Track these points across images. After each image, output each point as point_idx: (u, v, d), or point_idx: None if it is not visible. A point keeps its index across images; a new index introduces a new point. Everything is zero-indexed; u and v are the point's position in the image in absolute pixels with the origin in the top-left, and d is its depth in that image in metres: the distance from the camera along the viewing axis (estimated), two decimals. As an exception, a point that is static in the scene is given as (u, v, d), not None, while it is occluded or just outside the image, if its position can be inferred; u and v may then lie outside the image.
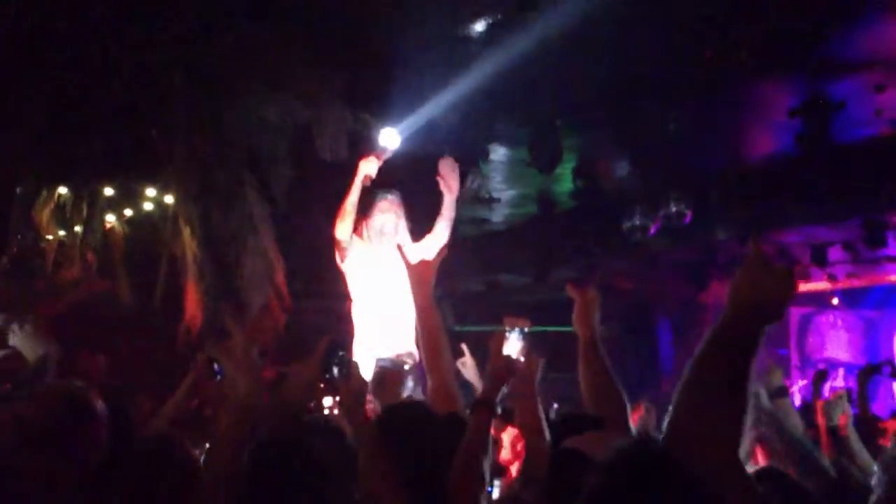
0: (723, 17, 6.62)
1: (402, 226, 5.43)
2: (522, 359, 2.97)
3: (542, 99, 7.84)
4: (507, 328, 2.94)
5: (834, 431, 3.41)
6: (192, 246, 6.73)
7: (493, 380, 2.78)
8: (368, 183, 5.39)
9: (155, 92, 5.81)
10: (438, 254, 3.49)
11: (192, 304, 6.85)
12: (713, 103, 8.05)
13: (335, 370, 3.04)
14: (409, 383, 4.64)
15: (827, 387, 7.05)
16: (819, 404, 3.52)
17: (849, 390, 3.88)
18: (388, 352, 5.08)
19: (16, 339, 3.52)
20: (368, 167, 5.43)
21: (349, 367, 3.10)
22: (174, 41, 5.41)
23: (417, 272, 3.33)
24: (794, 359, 16.50)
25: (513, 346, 2.93)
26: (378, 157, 5.50)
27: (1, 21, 5.13)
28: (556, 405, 10.26)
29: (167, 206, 7.21)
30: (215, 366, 3.43)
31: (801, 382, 16.40)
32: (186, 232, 6.69)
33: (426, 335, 3.25)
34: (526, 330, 2.97)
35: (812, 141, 8.08)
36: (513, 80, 7.57)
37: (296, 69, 5.82)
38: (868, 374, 4.58)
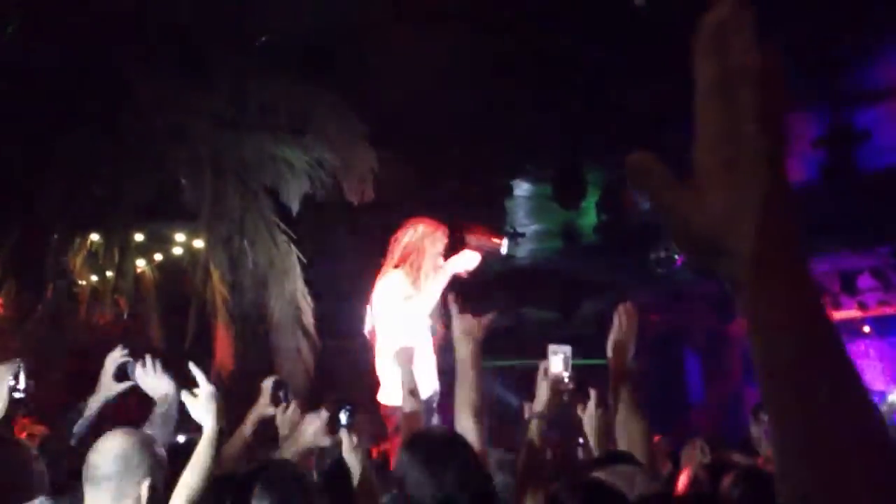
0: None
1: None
2: (566, 379, 3.16)
3: (565, 134, 7.90)
4: (550, 352, 3.14)
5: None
6: (221, 290, 6.79)
7: (551, 396, 3.13)
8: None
9: (183, 140, 5.92)
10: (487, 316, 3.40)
11: (223, 348, 6.90)
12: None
13: (344, 417, 3.21)
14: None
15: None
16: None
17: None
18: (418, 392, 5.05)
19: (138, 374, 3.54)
20: (466, 264, 5.16)
21: (355, 418, 3.23)
22: (200, 89, 5.52)
23: (466, 324, 3.25)
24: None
25: (556, 366, 3.12)
26: (485, 254, 5.28)
27: (37, 73, 5.27)
28: (582, 440, 10.21)
29: (196, 250, 7.29)
30: (280, 393, 3.63)
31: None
32: (216, 276, 6.76)
33: (465, 393, 3.16)
34: (568, 354, 3.15)
35: (837, 170, 8.08)
36: (534, 117, 7.67)
37: (321, 113, 5.90)
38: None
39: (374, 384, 5.27)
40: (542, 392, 3.21)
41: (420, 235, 5.18)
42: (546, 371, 3.24)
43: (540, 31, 6.61)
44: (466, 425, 3.08)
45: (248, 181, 6.29)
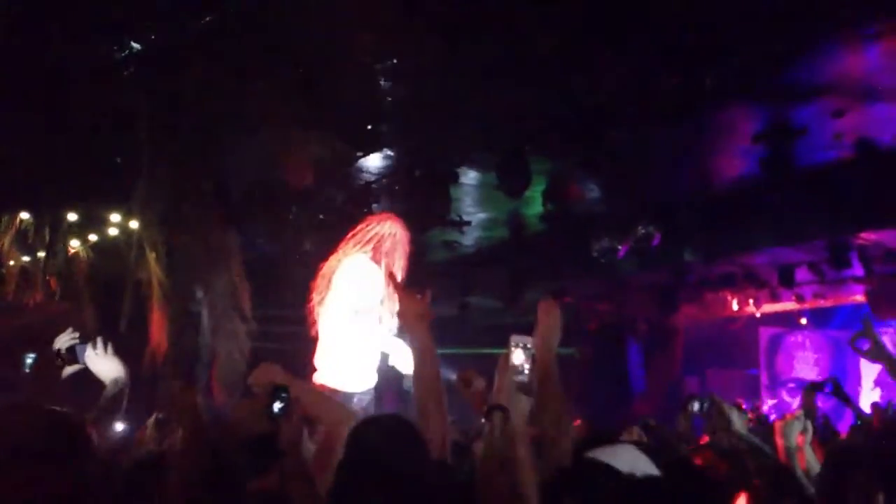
0: (687, 46, 6.77)
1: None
2: (526, 372, 3.02)
3: (511, 124, 7.94)
4: (512, 344, 3.01)
5: (791, 452, 3.48)
6: (157, 272, 6.70)
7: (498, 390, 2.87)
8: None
9: (121, 118, 5.82)
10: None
11: (158, 330, 6.83)
12: (680, 129, 8.19)
13: (277, 407, 3.16)
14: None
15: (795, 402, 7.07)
16: (777, 424, 3.58)
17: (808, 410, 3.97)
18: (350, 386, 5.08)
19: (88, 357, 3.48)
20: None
21: (291, 407, 3.17)
22: (141, 66, 5.43)
23: (415, 307, 3.15)
24: (764, 379, 16.69)
25: (518, 358, 2.99)
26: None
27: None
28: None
29: (133, 231, 7.18)
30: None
31: (771, 402, 16.57)
32: (151, 258, 6.67)
33: (426, 379, 3.09)
34: (529, 346, 3.02)
35: (776, 165, 8.25)
36: (482, 106, 7.69)
37: (261, 97, 5.84)
38: (811, 392, 4.64)
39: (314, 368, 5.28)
40: (504, 384, 2.93)
41: (393, 232, 5.30)
42: (506, 362, 2.97)
43: (489, 18, 6.62)
44: (431, 411, 3.02)
45: (185, 162, 6.21)
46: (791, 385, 16.50)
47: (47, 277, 7.77)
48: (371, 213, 5.56)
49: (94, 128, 5.79)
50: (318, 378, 5.13)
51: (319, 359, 5.24)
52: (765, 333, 16.40)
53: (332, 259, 5.41)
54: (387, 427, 2.59)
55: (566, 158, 9.09)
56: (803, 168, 8.63)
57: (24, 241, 7.51)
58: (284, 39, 5.55)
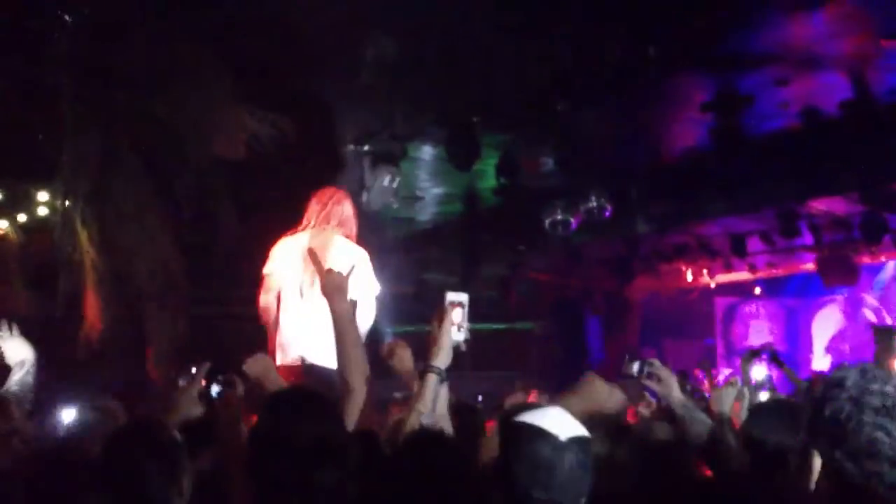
0: (630, 15, 6.77)
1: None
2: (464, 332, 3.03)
3: (460, 96, 7.91)
4: (448, 301, 3.01)
5: (724, 418, 3.52)
6: (89, 251, 6.57)
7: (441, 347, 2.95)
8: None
9: (45, 91, 5.68)
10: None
11: (92, 312, 6.70)
12: (628, 100, 8.21)
13: (215, 389, 3.19)
14: None
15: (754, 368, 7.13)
16: (711, 393, 3.61)
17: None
18: (307, 358, 5.05)
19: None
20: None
21: (231, 386, 3.18)
22: (70, 39, 5.30)
23: (333, 280, 3.21)
24: (720, 348, 16.93)
25: (456, 317, 3.01)
26: None
27: None
28: (480, 398, 10.38)
29: (61, 210, 7.03)
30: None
31: (727, 371, 16.83)
32: (83, 236, 6.53)
33: (347, 350, 3.12)
34: (466, 303, 3.04)
35: (724, 134, 8.31)
36: (432, 78, 7.65)
37: (190, 65, 5.73)
38: (749, 359, 4.69)
39: (260, 348, 5.23)
40: (443, 343, 2.96)
41: (347, 204, 5.32)
42: (443, 320, 2.99)
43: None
44: (354, 381, 3.04)
45: (112, 137, 6.08)
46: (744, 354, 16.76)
47: None
48: (318, 188, 5.45)
49: (17, 102, 5.66)
50: (286, 356, 5.11)
51: (282, 337, 5.22)
52: (720, 303, 16.61)
53: (281, 239, 5.36)
54: (291, 398, 2.60)
55: (518, 132, 9.09)
56: (752, 137, 8.68)
57: None
58: (222, 10, 5.46)
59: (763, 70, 7.65)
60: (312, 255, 3.55)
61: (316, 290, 4.96)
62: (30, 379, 3.34)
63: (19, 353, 3.41)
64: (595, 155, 9.65)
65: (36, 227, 7.62)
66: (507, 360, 14.09)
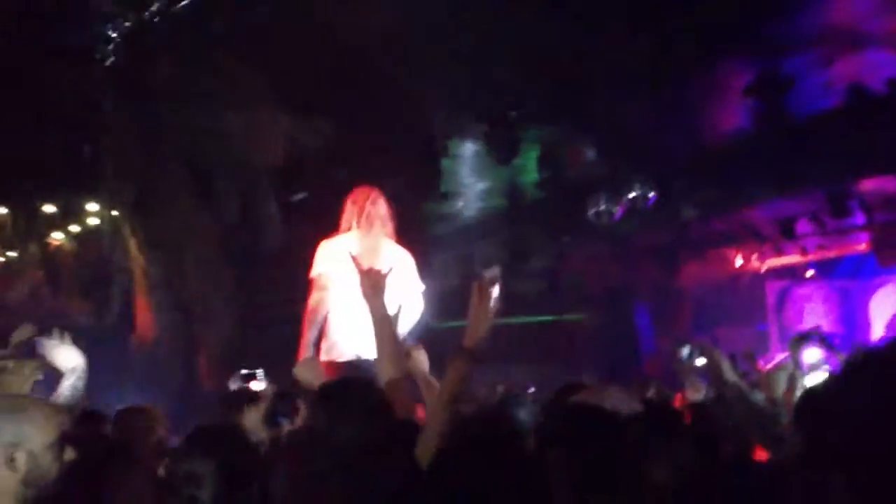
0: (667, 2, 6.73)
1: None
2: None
3: (497, 91, 7.92)
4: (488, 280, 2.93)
5: (778, 402, 3.49)
6: (139, 259, 6.71)
7: (477, 328, 2.83)
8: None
9: (89, 107, 5.82)
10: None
11: (143, 319, 6.84)
12: (669, 87, 8.15)
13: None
14: None
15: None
16: (763, 375, 3.60)
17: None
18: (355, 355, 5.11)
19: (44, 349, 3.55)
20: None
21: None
22: (111, 53, 5.42)
23: (371, 280, 3.29)
24: (774, 333, 16.64)
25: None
26: None
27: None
28: (532, 389, 10.39)
29: (113, 219, 7.19)
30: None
31: (782, 356, 16.52)
32: (132, 245, 6.67)
33: (385, 347, 3.18)
34: (498, 278, 2.96)
35: (767, 117, 8.20)
36: (469, 74, 7.68)
37: (230, 74, 5.82)
38: (798, 343, 4.63)
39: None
40: (481, 323, 2.85)
41: (383, 203, 5.34)
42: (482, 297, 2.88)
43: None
44: (392, 375, 3.08)
45: (156, 148, 6.19)
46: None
47: (30, 270, 7.80)
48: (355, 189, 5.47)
49: (64, 118, 5.80)
50: (331, 353, 5.17)
51: (328, 336, 5.29)
52: (772, 288, 16.33)
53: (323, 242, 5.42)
54: (339, 393, 2.65)
55: (557, 124, 9.08)
56: (797, 118, 8.55)
57: (4, 235, 7.54)
58: (259, 19, 5.53)
59: (806, 51, 7.54)
60: (354, 258, 3.60)
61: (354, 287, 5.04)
62: (80, 385, 3.44)
63: (70, 360, 3.51)
64: (637, 143, 9.58)
65: (88, 238, 7.80)
66: (557, 351, 14.06)
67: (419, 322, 5.19)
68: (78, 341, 3.57)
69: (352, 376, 3.95)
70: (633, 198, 9.72)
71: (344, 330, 5.24)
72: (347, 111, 6.66)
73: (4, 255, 7.85)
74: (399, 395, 2.95)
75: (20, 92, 5.69)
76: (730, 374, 3.67)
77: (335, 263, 5.25)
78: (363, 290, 3.30)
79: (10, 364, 3.36)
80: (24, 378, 3.31)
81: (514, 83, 7.78)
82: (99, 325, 6.88)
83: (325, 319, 5.23)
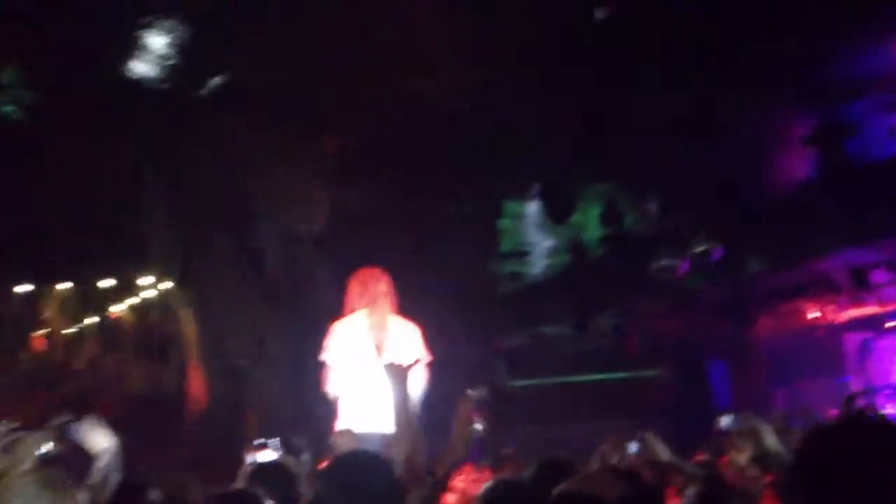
0: (727, 50, 6.73)
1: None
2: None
3: (554, 150, 7.98)
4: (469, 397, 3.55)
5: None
6: (191, 327, 6.94)
7: (456, 450, 3.59)
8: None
9: (130, 186, 6.09)
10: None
11: (196, 384, 7.05)
12: (731, 138, 8.11)
13: None
14: None
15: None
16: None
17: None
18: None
19: (77, 433, 3.71)
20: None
21: None
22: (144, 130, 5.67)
23: (395, 371, 3.64)
24: (856, 386, 16.06)
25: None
26: None
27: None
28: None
29: (165, 292, 7.49)
30: None
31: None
32: (183, 314, 6.91)
33: (401, 424, 3.49)
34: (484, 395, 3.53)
35: (832, 166, 8.08)
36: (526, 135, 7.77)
37: (273, 142, 6.02)
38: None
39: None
40: (460, 446, 3.67)
41: (385, 282, 5.57)
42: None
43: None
44: (401, 453, 3.35)
45: (200, 219, 6.44)
46: (887, 391, 15.84)
47: (91, 342, 8.12)
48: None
49: (111, 196, 6.07)
50: (343, 420, 5.35)
51: (341, 408, 5.48)
52: (850, 340, 15.81)
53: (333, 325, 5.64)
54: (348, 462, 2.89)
55: (617, 181, 9.09)
56: (861, 165, 8.40)
57: (67, 310, 7.93)
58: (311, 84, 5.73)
59: (868, 96, 7.43)
60: (377, 347, 3.91)
61: (375, 368, 5.25)
62: (113, 463, 3.59)
63: (102, 442, 3.67)
64: (700, 196, 9.51)
65: (144, 309, 8.15)
66: (632, 408, 13.82)
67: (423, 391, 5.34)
68: (137, 407, 3.73)
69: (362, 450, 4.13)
70: (698, 252, 9.60)
71: (355, 407, 5.43)
72: (395, 175, 6.81)
73: (68, 327, 8.26)
74: (416, 469, 3.29)
75: (69, 170, 6.01)
76: (771, 441, 3.65)
77: (345, 346, 5.51)
78: (389, 378, 3.62)
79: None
80: (28, 446, 3.41)
81: (568, 141, 7.84)
82: (157, 391, 7.10)
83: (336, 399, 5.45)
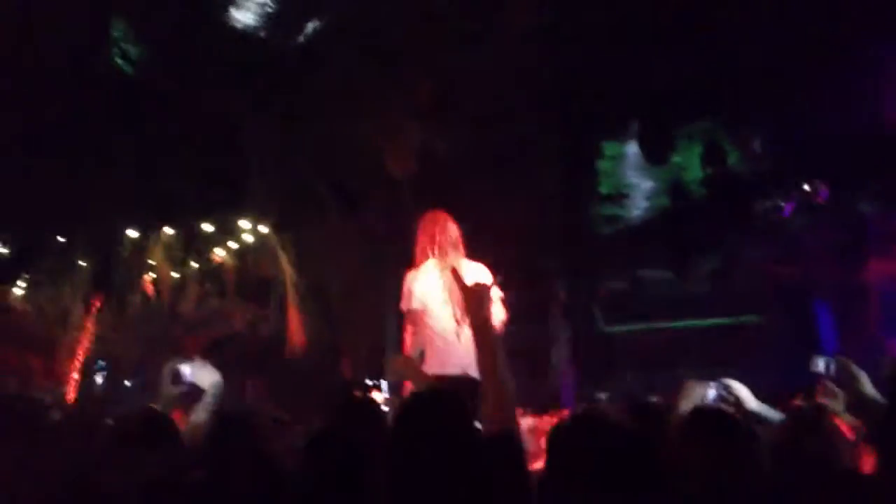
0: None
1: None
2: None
3: (652, 88, 7.81)
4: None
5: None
6: (289, 272, 7.14)
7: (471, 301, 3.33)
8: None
9: (233, 127, 6.23)
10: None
11: (295, 327, 7.28)
12: (844, 69, 7.77)
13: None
14: None
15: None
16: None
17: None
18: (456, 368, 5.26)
19: (189, 372, 4.08)
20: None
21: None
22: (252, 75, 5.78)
23: (475, 294, 3.40)
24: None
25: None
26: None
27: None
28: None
29: (264, 235, 7.70)
30: None
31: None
32: (282, 260, 7.10)
33: (484, 356, 3.21)
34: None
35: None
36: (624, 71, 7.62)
37: (367, 87, 6.06)
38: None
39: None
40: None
41: (452, 225, 5.50)
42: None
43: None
44: (491, 389, 3.12)
45: (300, 165, 6.56)
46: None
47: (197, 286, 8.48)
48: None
49: (212, 141, 6.24)
50: (431, 364, 5.38)
51: (435, 361, 5.46)
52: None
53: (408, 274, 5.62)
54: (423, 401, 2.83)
55: (718, 119, 8.84)
56: None
57: (171, 254, 8.29)
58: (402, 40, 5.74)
59: None
60: (454, 273, 3.80)
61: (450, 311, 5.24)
62: (218, 395, 3.88)
63: (206, 379, 3.96)
64: (807, 133, 9.15)
65: (245, 253, 8.41)
66: (733, 355, 13.56)
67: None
68: (239, 349, 4.01)
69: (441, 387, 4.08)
70: (804, 193, 9.27)
71: (444, 354, 5.41)
72: (484, 116, 6.78)
73: (172, 272, 8.66)
74: (504, 403, 3.03)
75: (171, 116, 6.21)
76: (869, 388, 3.56)
77: (427, 293, 5.46)
78: (468, 304, 3.41)
79: None
80: None
81: (668, 78, 7.65)
82: (257, 334, 7.40)
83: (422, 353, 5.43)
